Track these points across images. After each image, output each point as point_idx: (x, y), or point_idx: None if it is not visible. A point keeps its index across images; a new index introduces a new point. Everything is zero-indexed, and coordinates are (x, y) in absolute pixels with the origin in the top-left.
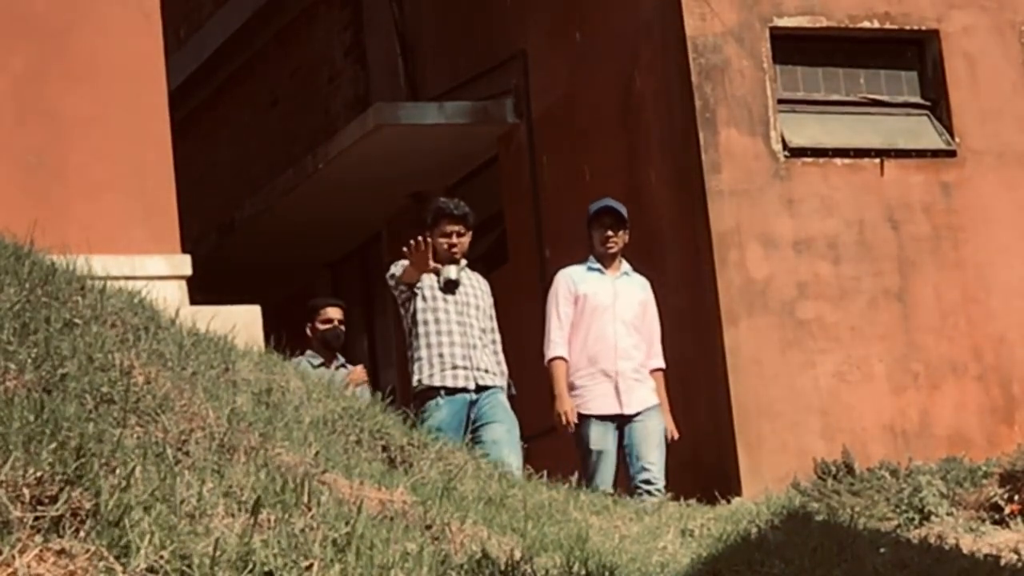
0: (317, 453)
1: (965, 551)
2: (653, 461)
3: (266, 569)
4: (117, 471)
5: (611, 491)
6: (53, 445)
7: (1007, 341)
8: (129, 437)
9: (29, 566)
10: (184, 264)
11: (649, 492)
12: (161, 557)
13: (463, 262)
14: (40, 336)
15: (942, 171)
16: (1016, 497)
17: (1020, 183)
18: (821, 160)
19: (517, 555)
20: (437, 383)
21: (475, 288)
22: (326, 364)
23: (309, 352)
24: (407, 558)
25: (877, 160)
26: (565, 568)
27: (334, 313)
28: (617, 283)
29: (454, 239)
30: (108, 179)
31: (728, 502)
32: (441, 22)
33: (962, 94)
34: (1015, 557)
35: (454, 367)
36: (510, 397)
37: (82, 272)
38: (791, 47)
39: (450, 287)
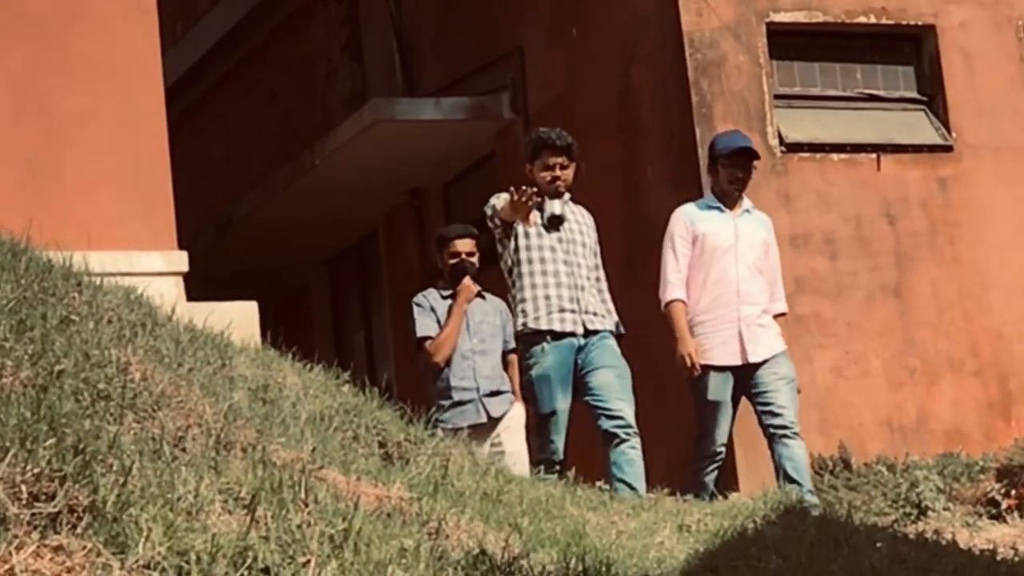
0: (314, 449)
1: (962, 546)
2: (785, 405)
3: (263, 565)
4: (114, 468)
5: (723, 446)
6: (50, 442)
7: (1004, 336)
8: (126, 434)
9: (27, 563)
10: (181, 260)
11: (787, 437)
12: (159, 553)
13: (567, 196)
14: (36, 332)
15: (939, 166)
16: (1013, 492)
17: (1017, 178)
18: (818, 155)
19: (514, 551)
20: (543, 327)
21: (580, 224)
22: (455, 297)
23: (441, 283)
24: (404, 554)
25: (874, 155)
26: (562, 564)
27: (462, 246)
28: (739, 221)
29: (557, 171)
30: (105, 175)
31: (725, 497)
32: (438, 18)
33: (959, 89)
34: (1012, 552)
35: (561, 310)
36: (618, 337)
37: (79, 268)
38: (788, 42)
39: (555, 223)
